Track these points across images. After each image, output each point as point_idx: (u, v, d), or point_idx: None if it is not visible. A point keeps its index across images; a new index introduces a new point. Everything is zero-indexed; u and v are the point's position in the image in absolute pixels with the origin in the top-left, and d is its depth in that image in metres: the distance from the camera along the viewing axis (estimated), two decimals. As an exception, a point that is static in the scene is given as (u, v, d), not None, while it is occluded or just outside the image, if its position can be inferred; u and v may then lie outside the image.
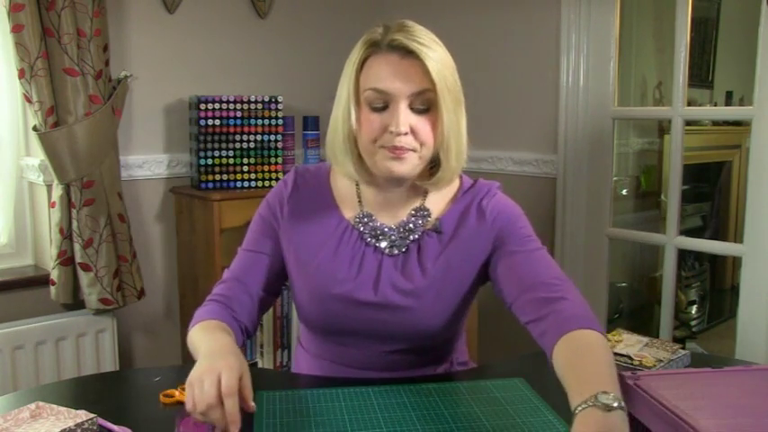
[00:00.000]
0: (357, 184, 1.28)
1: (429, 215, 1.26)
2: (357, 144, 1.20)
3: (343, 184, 1.30)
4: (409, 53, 1.12)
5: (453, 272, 1.24)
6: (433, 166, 1.23)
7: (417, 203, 1.27)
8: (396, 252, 1.24)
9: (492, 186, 1.31)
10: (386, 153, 1.15)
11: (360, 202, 1.28)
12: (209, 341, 1.10)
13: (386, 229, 1.25)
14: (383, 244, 1.24)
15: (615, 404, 0.87)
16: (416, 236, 1.25)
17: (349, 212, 1.28)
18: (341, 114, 1.19)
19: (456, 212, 1.27)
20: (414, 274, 1.22)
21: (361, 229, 1.25)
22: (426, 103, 1.15)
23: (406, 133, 1.14)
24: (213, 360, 1.00)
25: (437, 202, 1.28)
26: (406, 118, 1.13)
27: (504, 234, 1.25)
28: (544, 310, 1.12)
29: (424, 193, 1.28)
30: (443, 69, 1.14)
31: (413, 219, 1.26)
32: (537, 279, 1.17)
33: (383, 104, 1.15)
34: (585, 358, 1.00)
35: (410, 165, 1.17)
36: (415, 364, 1.29)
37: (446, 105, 1.14)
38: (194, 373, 0.98)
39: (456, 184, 1.30)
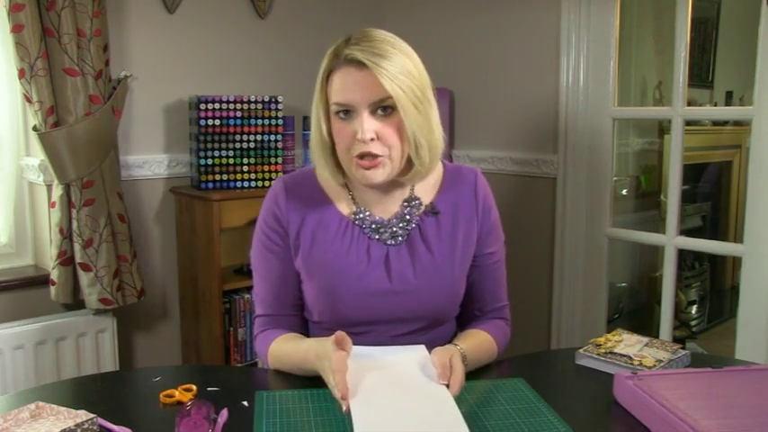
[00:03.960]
0: (345, 183, 1.34)
1: (421, 203, 1.34)
2: (333, 152, 1.28)
3: (332, 182, 1.34)
4: (365, 66, 1.17)
5: (457, 247, 1.33)
6: (409, 163, 1.28)
7: (407, 194, 1.34)
8: (400, 241, 1.31)
9: (477, 172, 1.40)
10: (359, 164, 1.22)
11: (353, 198, 1.34)
12: (306, 355, 1.22)
13: (384, 222, 1.32)
14: (385, 236, 1.31)
15: (467, 357, 1.22)
16: (415, 223, 1.33)
17: (345, 209, 1.33)
18: (314, 125, 1.28)
19: (448, 194, 1.36)
20: (421, 256, 1.31)
21: (361, 224, 1.32)
22: (388, 109, 1.21)
23: (372, 139, 1.20)
24: (319, 359, 1.15)
25: (425, 189, 1.36)
26: (369, 125, 1.19)
27: (485, 234, 1.37)
28: (480, 318, 1.41)
29: (411, 184, 1.35)
30: (399, 76, 1.18)
31: (407, 209, 1.33)
32: (493, 305, 1.41)
33: (348, 111, 1.22)
34: (469, 336, 1.34)
35: (384, 171, 1.23)
36: (426, 344, 1.32)
37: (405, 109, 1.19)
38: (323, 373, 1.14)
39: (439, 170, 1.38)
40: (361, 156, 1.21)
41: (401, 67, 1.19)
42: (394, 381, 1.13)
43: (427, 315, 1.32)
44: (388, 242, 1.31)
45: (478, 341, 1.33)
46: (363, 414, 1.01)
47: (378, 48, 1.18)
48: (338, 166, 1.29)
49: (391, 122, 1.21)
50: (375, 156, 1.21)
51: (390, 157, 1.23)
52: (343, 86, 1.20)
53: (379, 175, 1.23)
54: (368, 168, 1.22)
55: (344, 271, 1.29)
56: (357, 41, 1.20)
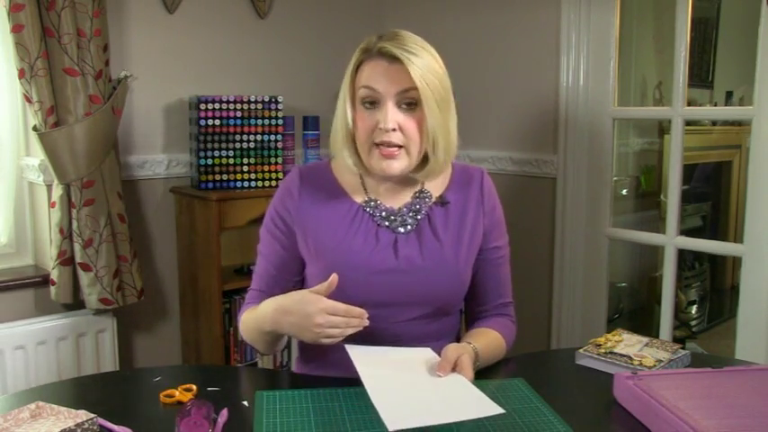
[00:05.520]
0: (360, 174, 1.39)
1: (431, 197, 1.39)
2: (355, 140, 1.32)
3: (346, 174, 1.39)
4: (396, 59, 1.24)
5: (464, 237, 1.36)
6: (424, 160, 1.33)
7: (418, 187, 1.39)
8: (409, 229, 1.35)
9: (484, 171, 1.46)
10: (378, 153, 1.27)
11: (365, 189, 1.38)
12: (264, 308, 1.26)
13: (395, 211, 1.36)
14: (395, 224, 1.35)
15: (479, 355, 1.26)
16: (424, 212, 1.36)
17: (357, 198, 1.38)
18: (340, 113, 1.32)
19: (457, 187, 1.41)
20: (428, 242, 1.34)
21: (372, 212, 1.35)
22: (412, 104, 1.26)
23: (394, 129, 1.25)
24: (285, 314, 1.19)
25: (435, 185, 1.40)
26: (393, 115, 1.25)
27: (489, 228, 1.41)
28: (486, 316, 1.45)
29: (423, 181, 1.39)
30: (427, 73, 1.25)
31: (417, 200, 1.38)
32: (498, 301, 1.44)
33: (373, 101, 1.27)
34: (480, 334, 1.36)
35: (401, 163, 1.28)
36: (432, 335, 1.36)
37: (429, 104, 1.25)
38: (293, 329, 1.19)
39: (448, 168, 1.43)
40: (381, 143, 1.26)
41: (429, 66, 1.25)
42: (406, 371, 1.14)
43: (432, 300, 1.33)
44: (398, 230, 1.34)
45: (489, 339, 1.35)
46: (384, 397, 1.01)
47: (409, 46, 1.25)
48: (359, 156, 1.33)
49: (414, 117, 1.26)
50: (394, 145, 1.26)
51: (408, 151, 1.27)
52: (373, 75, 1.26)
53: (397, 166, 1.27)
54: (386, 158, 1.26)
55: (351, 250, 1.31)
56: (390, 38, 1.26)
